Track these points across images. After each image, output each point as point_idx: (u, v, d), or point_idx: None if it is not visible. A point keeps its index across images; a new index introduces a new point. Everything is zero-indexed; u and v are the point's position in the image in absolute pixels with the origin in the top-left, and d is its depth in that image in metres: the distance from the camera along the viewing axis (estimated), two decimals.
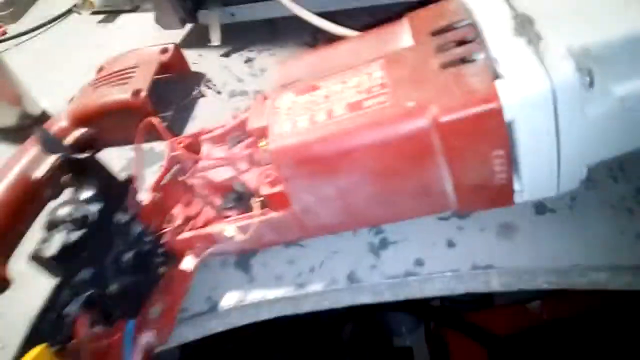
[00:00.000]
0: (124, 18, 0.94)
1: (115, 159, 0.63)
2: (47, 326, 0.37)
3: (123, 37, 0.88)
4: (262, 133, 0.40)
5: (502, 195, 0.38)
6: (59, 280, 0.37)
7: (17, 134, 0.73)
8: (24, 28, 0.98)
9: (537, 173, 0.37)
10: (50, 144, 0.44)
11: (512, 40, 0.35)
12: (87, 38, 0.92)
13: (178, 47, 0.69)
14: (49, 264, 0.35)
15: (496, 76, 0.34)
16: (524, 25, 0.36)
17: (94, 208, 0.37)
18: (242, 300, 0.43)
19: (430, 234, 0.42)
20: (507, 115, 0.33)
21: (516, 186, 0.38)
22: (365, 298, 0.42)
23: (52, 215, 0.37)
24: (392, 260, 0.42)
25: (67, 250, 0.35)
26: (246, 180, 0.41)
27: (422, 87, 0.36)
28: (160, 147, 0.62)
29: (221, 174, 0.43)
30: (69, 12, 1.01)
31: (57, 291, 0.37)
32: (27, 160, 0.60)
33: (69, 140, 0.62)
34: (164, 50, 0.68)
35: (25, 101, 0.73)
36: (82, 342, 0.37)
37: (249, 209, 0.42)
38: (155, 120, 0.47)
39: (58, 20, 1.00)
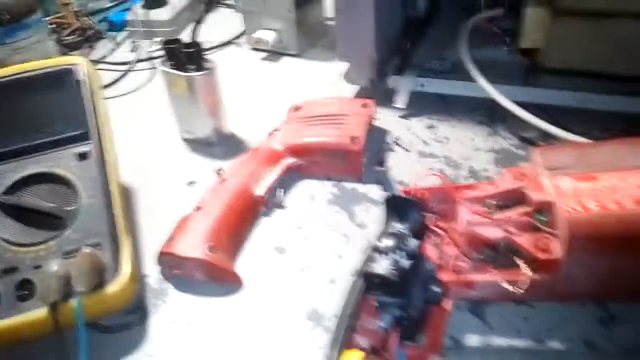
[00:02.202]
0: (286, 59, 1.03)
1: (318, 191, 0.70)
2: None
3: (291, 77, 0.97)
4: (545, 206, 0.48)
5: None
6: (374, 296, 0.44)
7: (205, 145, 0.79)
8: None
9: None
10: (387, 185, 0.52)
11: None
12: (251, 71, 1.00)
13: (375, 102, 0.77)
14: (382, 282, 0.41)
15: None
16: None
17: (415, 243, 0.44)
18: (484, 344, 0.49)
19: None
20: None
21: None
22: None
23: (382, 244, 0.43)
24: (624, 334, 0.49)
25: (401, 274, 0.41)
26: (516, 241, 0.48)
27: None
28: (363, 188, 0.70)
29: (490, 232, 0.50)
30: (228, 42, 1.10)
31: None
32: (249, 175, 0.68)
33: (281, 167, 0.70)
34: (366, 104, 0.76)
35: (221, 117, 0.80)
36: (392, 353, 0.43)
37: (505, 265, 0.49)
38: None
39: (217, 48, 1.08)
